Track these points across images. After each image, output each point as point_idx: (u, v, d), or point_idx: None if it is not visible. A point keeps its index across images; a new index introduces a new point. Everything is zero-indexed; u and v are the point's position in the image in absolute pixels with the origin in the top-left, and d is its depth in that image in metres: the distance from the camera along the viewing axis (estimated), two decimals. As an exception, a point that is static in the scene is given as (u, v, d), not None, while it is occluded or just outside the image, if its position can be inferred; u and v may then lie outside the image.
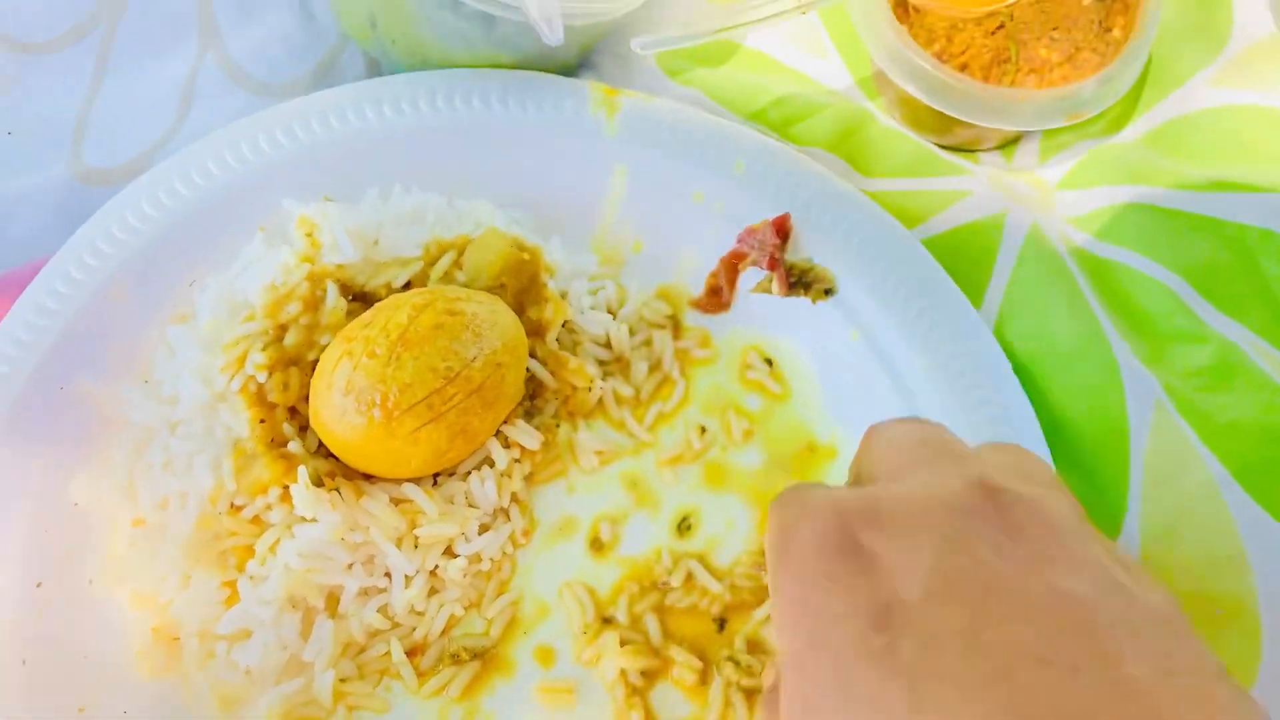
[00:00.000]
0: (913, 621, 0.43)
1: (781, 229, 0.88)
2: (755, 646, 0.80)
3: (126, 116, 0.95)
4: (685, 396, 0.89)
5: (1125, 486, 0.82)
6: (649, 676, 0.79)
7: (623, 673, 0.78)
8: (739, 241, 0.90)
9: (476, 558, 0.80)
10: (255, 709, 0.75)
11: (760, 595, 0.81)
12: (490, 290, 0.85)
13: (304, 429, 0.80)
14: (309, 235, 0.83)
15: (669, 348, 0.89)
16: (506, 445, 0.83)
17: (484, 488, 0.81)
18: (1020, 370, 0.84)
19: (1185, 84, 0.98)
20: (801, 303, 0.88)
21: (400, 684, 0.78)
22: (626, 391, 0.88)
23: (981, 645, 0.42)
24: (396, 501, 0.78)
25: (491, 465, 0.82)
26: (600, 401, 0.87)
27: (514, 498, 0.83)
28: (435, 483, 0.81)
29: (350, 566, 0.77)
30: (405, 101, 0.90)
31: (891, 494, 0.49)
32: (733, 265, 0.91)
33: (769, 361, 0.89)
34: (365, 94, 0.90)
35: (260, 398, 0.78)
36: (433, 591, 0.79)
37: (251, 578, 0.76)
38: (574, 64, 0.98)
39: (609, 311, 0.90)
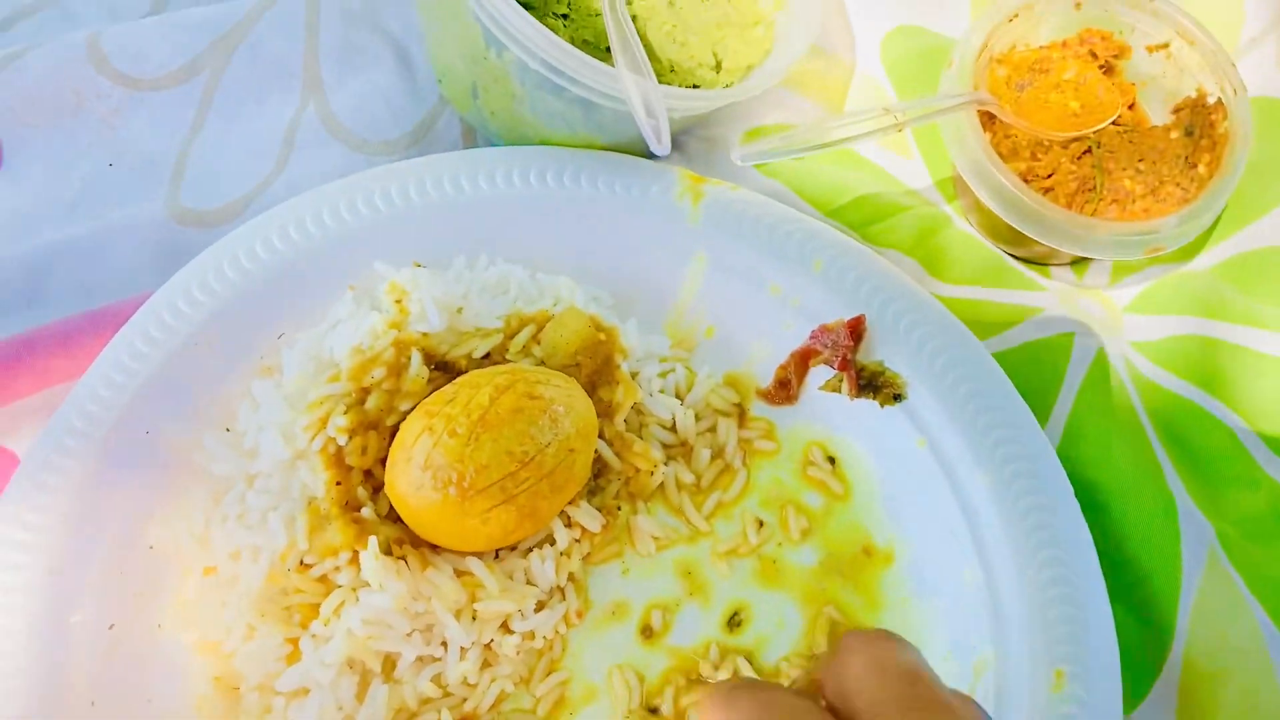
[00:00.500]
0: None
1: (856, 331, 0.90)
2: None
3: (225, 160, 0.97)
4: (745, 487, 0.90)
5: (1173, 626, 0.83)
6: (690, 770, 0.81)
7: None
8: (812, 338, 0.91)
9: (530, 635, 0.82)
10: (307, 767, 0.78)
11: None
12: (566, 368, 0.86)
13: (377, 491, 0.82)
14: (398, 301, 0.85)
15: (733, 436, 0.91)
16: (569, 525, 0.84)
17: (544, 566, 0.82)
18: (1080, 495, 0.85)
19: (1263, 217, 0.99)
20: (869, 405, 0.90)
21: (448, 753, 0.80)
22: (688, 478, 0.90)
23: None
24: (459, 574, 0.80)
25: (553, 544, 0.84)
26: (661, 486, 0.89)
27: (571, 577, 0.85)
28: (497, 556, 0.83)
29: (409, 635, 0.78)
30: (499, 174, 0.92)
31: None
32: (804, 361, 0.92)
33: (831, 460, 0.91)
34: (460, 164, 0.92)
35: (338, 459, 0.80)
36: (485, 665, 0.81)
37: (314, 637, 0.78)
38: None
39: (677, 395, 0.91)
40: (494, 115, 0.93)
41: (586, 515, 0.85)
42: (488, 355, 0.86)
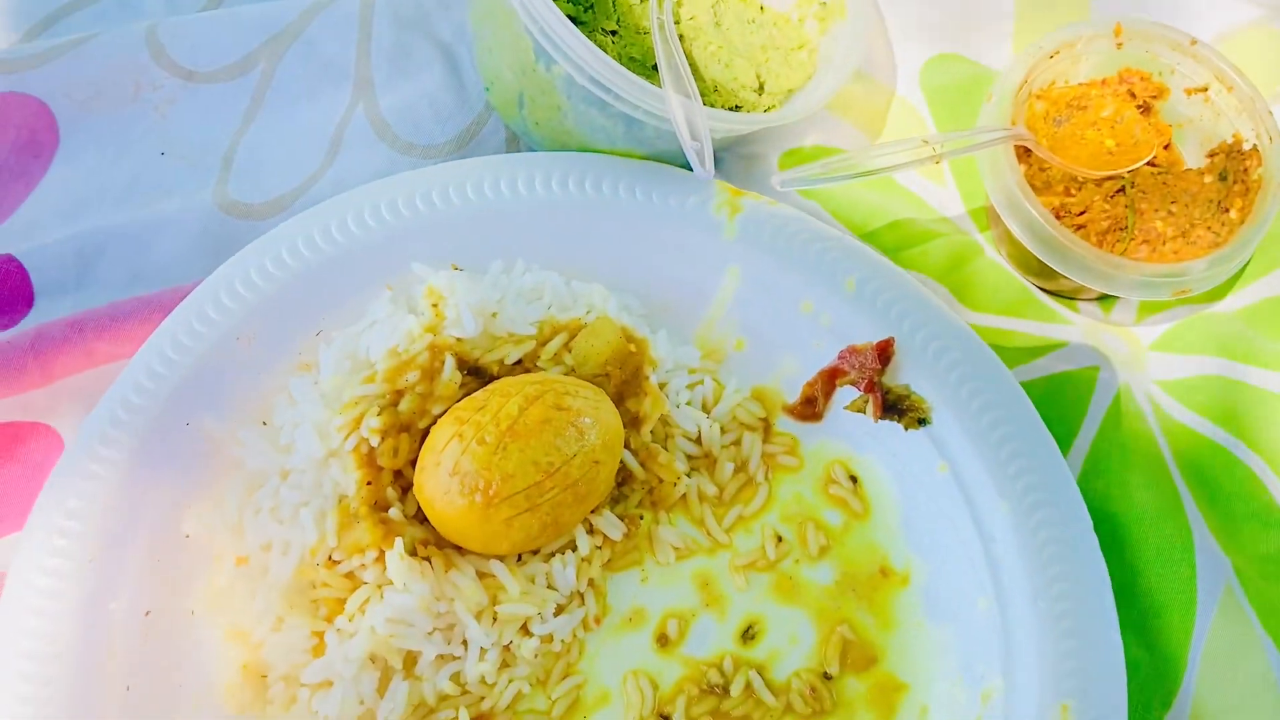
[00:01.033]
0: None
1: (884, 354, 0.91)
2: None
3: (274, 155, 0.99)
4: (767, 502, 0.92)
5: (1184, 661, 0.84)
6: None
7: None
8: (840, 358, 0.93)
9: (549, 638, 0.84)
10: (327, 756, 0.80)
11: (814, 715, 0.84)
12: (595, 378, 0.88)
13: (406, 491, 0.84)
14: (435, 306, 0.87)
15: (757, 450, 0.93)
16: (591, 531, 0.86)
17: (565, 571, 0.84)
18: (1098, 527, 0.86)
19: (1291, 264, 1.00)
20: (893, 427, 0.91)
21: (463, 750, 0.82)
22: (710, 490, 0.91)
23: None
24: (482, 576, 0.82)
25: (574, 549, 0.86)
26: (684, 496, 0.91)
27: (591, 583, 0.87)
28: (520, 560, 0.85)
29: (431, 634, 0.81)
30: (539, 180, 0.94)
31: None
32: (831, 380, 0.93)
33: (854, 479, 0.92)
34: (502, 169, 0.94)
35: (370, 460, 0.82)
36: (504, 665, 0.83)
37: (339, 631, 0.80)
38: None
39: (704, 407, 0.93)
40: (538, 125, 0.95)
41: (609, 523, 0.87)
42: (519, 362, 0.88)
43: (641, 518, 0.90)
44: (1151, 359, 0.99)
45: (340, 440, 0.82)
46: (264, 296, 0.88)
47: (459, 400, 0.84)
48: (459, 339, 0.86)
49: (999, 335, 0.97)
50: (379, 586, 0.81)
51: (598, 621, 0.87)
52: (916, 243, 1.00)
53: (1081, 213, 0.93)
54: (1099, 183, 0.94)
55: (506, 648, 0.83)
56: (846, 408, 0.93)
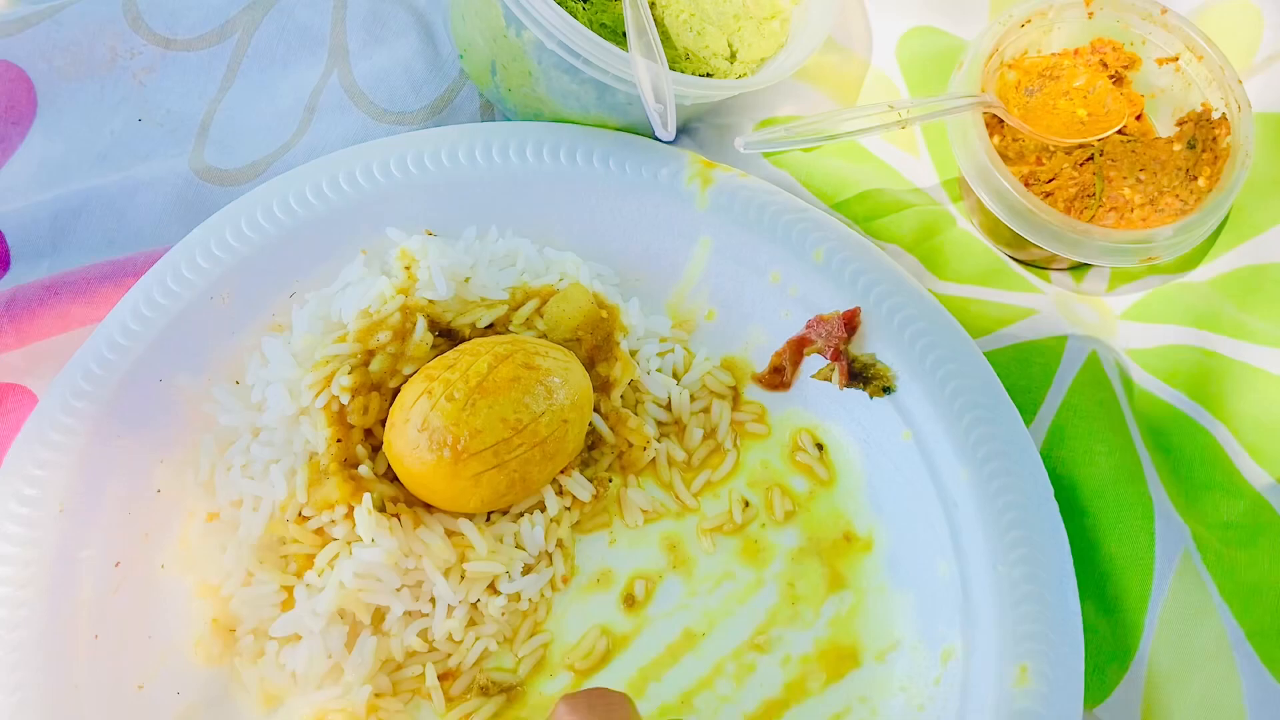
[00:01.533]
0: None
1: (850, 323, 0.92)
2: None
3: (250, 121, 1.00)
4: (735, 468, 0.93)
5: (1140, 626, 0.85)
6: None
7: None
8: (807, 328, 0.94)
9: (516, 597, 0.85)
10: (294, 709, 0.81)
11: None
12: (566, 342, 0.89)
13: (376, 450, 0.85)
14: (407, 269, 0.88)
15: (726, 418, 0.94)
16: (560, 493, 0.88)
17: (533, 531, 0.86)
18: (1060, 494, 0.87)
19: (1263, 234, 1.00)
20: (859, 395, 0.92)
21: (429, 705, 0.83)
22: (679, 455, 0.92)
23: None
24: (450, 534, 0.83)
25: (543, 510, 0.87)
26: (653, 461, 0.92)
27: (559, 543, 0.88)
28: (489, 519, 0.86)
29: (399, 590, 0.82)
30: (513, 149, 0.95)
31: None
32: (798, 349, 0.94)
33: (820, 446, 0.93)
34: (476, 136, 0.95)
35: (340, 418, 0.83)
36: (471, 623, 0.84)
37: (308, 586, 0.81)
38: (677, 131, 1.02)
39: (674, 375, 0.94)
40: (511, 93, 0.96)
41: (578, 485, 0.88)
42: (492, 325, 0.89)
43: (611, 481, 0.91)
44: (1122, 328, 0.99)
45: (311, 398, 0.83)
46: (238, 258, 0.89)
47: (430, 361, 0.85)
48: (431, 301, 0.87)
49: (970, 304, 0.98)
50: (348, 543, 0.82)
51: (565, 581, 0.88)
52: (887, 213, 1.01)
53: (1050, 180, 0.94)
54: (1069, 151, 0.95)
55: (474, 606, 0.84)
56: (813, 376, 0.94)
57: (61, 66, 1.00)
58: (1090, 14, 0.98)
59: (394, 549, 0.80)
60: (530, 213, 0.95)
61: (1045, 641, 0.82)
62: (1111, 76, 0.99)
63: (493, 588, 0.85)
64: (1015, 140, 0.97)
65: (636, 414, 0.92)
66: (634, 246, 0.96)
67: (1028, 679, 0.81)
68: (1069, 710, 0.80)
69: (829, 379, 0.93)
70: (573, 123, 0.96)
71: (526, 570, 0.86)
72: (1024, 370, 0.94)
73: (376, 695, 0.82)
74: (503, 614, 0.84)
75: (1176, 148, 0.96)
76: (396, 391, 0.85)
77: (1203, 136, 0.96)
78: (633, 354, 0.92)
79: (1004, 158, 0.95)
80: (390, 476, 0.84)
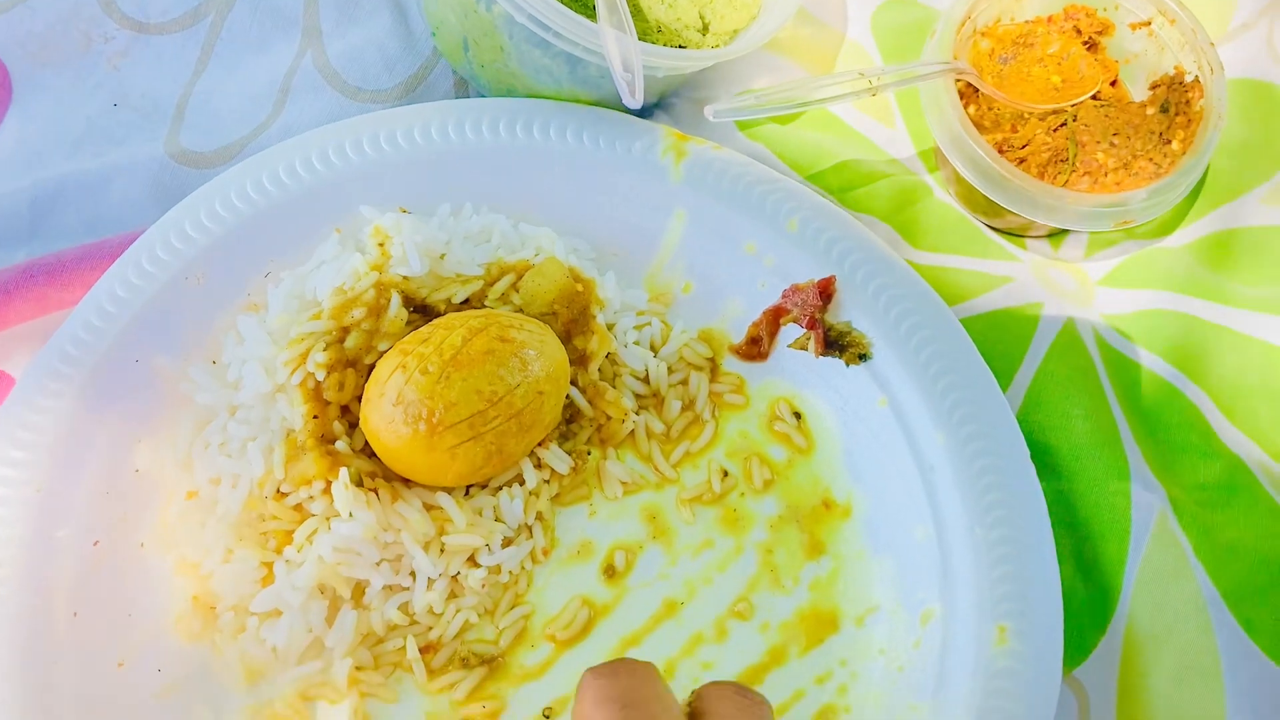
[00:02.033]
0: None
1: (825, 291, 0.92)
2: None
3: (225, 104, 1.00)
4: (714, 438, 0.93)
5: (1118, 587, 0.86)
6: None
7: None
8: (783, 297, 0.94)
9: (496, 569, 0.85)
10: (276, 684, 0.82)
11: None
12: (542, 317, 0.90)
13: (353, 427, 0.85)
14: (381, 245, 0.88)
15: (704, 389, 0.94)
16: (538, 466, 0.88)
17: (512, 504, 0.86)
18: (1035, 459, 0.87)
19: (1238, 198, 1.01)
20: (836, 363, 0.92)
21: (411, 678, 0.83)
22: (658, 427, 0.93)
23: None
24: (429, 508, 0.84)
25: (522, 483, 0.87)
26: (632, 433, 0.92)
27: (539, 516, 0.88)
28: (467, 493, 0.87)
29: (379, 564, 0.82)
30: (486, 125, 0.95)
31: None
32: (775, 319, 0.95)
33: (798, 415, 0.94)
34: (449, 113, 0.95)
35: (316, 394, 0.84)
36: (452, 596, 0.85)
37: (287, 562, 0.82)
38: (652, 106, 1.02)
39: (652, 348, 0.94)
40: (483, 69, 0.96)
41: (556, 457, 0.88)
42: (467, 301, 0.90)
43: (589, 454, 0.91)
44: (1099, 294, 0.99)
45: (286, 375, 0.84)
46: (213, 239, 0.90)
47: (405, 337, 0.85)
48: (405, 277, 0.88)
49: (946, 273, 0.98)
50: (326, 518, 0.82)
51: (546, 554, 0.88)
52: (863, 183, 1.01)
53: (1024, 146, 0.94)
54: (1042, 118, 0.95)
55: (454, 579, 0.85)
56: (790, 345, 0.94)
57: (36, 53, 1.01)
58: (1062, -23, 0.98)
59: (372, 523, 0.81)
60: (505, 188, 0.95)
61: (1024, 602, 0.82)
62: (1085, 42, 0.99)
63: (473, 560, 0.85)
64: (990, 109, 0.97)
65: (614, 387, 0.92)
66: (609, 221, 0.96)
67: (1007, 640, 0.81)
68: (1048, 670, 0.81)
69: (805, 348, 0.93)
70: (546, 98, 0.96)
71: (506, 543, 0.86)
72: (1000, 336, 0.95)
73: (358, 669, 0.82)
74: (483, 586, 0.85)
75: (1150, 111, 0.96)
76: (372, 368, 0.85)
77: (1176, 100, 0.96)
78: (610, 327, 0.93)
79: (979, 126, 0.95)
80: (368, 452, 0.85)
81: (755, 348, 0.95)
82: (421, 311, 0.89)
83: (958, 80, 0.95)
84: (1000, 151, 0.93)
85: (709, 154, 0.96)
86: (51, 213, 0.95)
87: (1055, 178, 0.93)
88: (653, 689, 0.56)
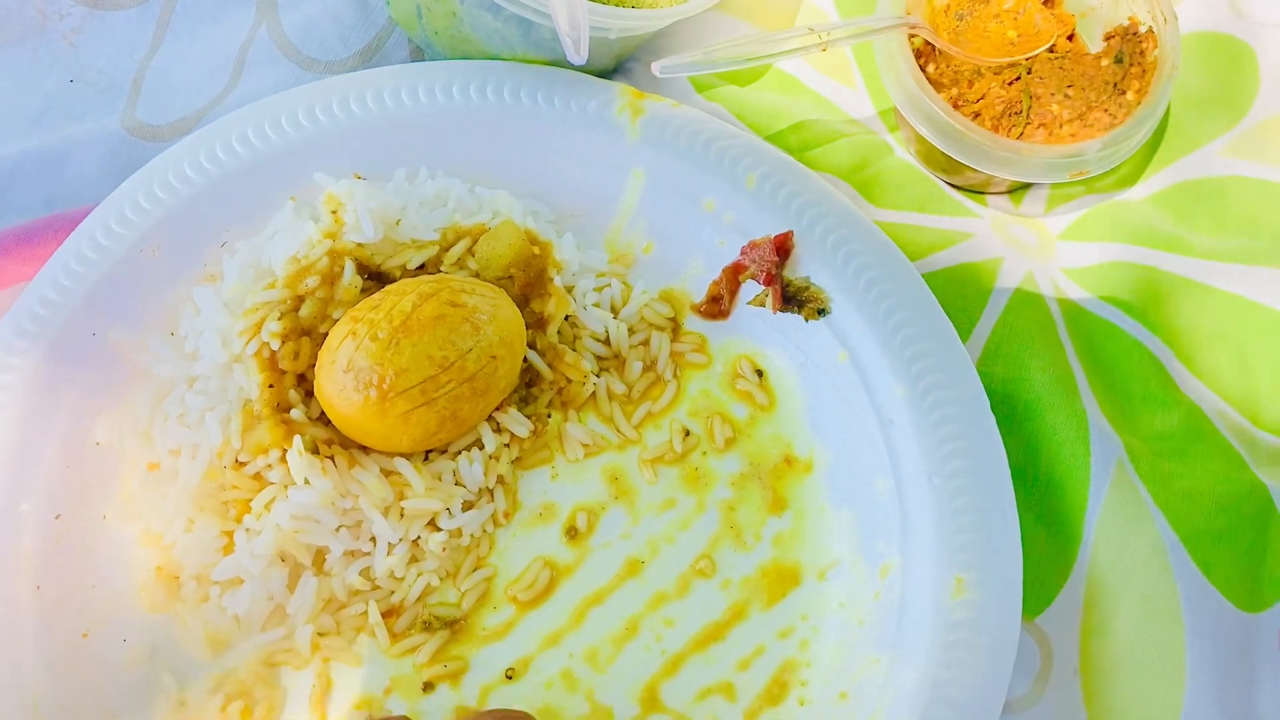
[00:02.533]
0: None
1: (782, 247, 0.92)
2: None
3: (181, 77, 1.00)
4: (675, 398, 0.93)
5: (1079, 536, 0.86)
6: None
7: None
8: (742, 254, 0.94)
9: (457, 533, 0.86)
10: (240, 652, 0.82)
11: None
12: (499, 281, 0.90)
13: (310, 395, 0.85)
14: (334, 212, 0.88)
15: (665, 349, 0.94)
16: (498, 430, 0.88)
17: (472, 468, 0.86)
18: (995, 410, 0.87)
19: (1198, 150, 1.00)
20: (796, 319, 0.92)
21: (374, 642, 0.84)
22: (619, 388, 0.93)
23: None
24: (387, 474, 0.84)
25: (481, 448, 0.88)
26: (593, 395, 0.92)
27: (500, 480, 0.88)
28: (426, 459, 0.87)
29: (338, 530, 0.83)
30: (439, 88, 0.95)
31: None
32: (734, 276, 0.95)
33: (760, 372, 0.94)
34: (402, 78, 0.95)
35: (272, 363, 0.84)
36: (413, 560, 0.85)
37: (247, 530, 0.82)
38: (609, 71, 1.02)
39: (612, 309, 0.94)
40: (438, 35, 0.96)
41: (514, 421, 0.88)
42: (423, 267, 0.90)
43: (550, 416, 0.91)
44: (1060, 248, 0.99)
45: (242, 345, 0.84)
46: (168, 210, 0.90)
47: (359, 303, 0.85)
48: (359, 244, 0.88)
49: (905, 230, 0.98)
50: (284, 486, 0.82)
51: (507, 517, 0.88)
52: (822, 143, 1.01)
53: (978, 100, 0.94)
54: (997, 72, 0.95)
55: (414, 543, 0.85)
56: (749, 303, 0.94)
57: (-10, 31, 1.01)
58: (1014, -70, 0.97)
59: (329, 490, 0.81)
60: (460, 152, 0.95)
61: (982, 552, 0.83)
62: (1041, -3, 0.99)
63: (433, 525, 0.86)
64: (949, 67, 0.97)
65: (574, 349, 0.92)
66: (567, 182, 0.96)
67: (965, 590, 0.81)
68: (1007, 619, 0.81)
69: (764, 304, 0.93)
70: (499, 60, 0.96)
71: (467, 506, 0.87)
72: (960, 291, 0.95)
73: (320, 634, 0.83)
74: (444, 550, 0.85)
75: (1104, 63, 0.95)
76: (326, 336, 0.85)
77: (1130, 50, 0.95)
78: (569, 290, 0.93)
79: (936, 85, 0.95)
80: (324, 420, 0.85)
81: (716, 306, 0.95)
82: (377, 279, 0.89)
83: (914, 38, 0.95)
84: (955, 106, 0.93)
85: (666, 111, 0.96)
86: (9, 189, 0.96)
87: (1010, 130, 0.93)
88: None
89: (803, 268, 0.93)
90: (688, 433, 0.92)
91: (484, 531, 0.87)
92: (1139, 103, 0.93)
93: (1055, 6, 0.99)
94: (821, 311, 0.91)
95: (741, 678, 0.84)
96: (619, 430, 0.92)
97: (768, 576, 0.87)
